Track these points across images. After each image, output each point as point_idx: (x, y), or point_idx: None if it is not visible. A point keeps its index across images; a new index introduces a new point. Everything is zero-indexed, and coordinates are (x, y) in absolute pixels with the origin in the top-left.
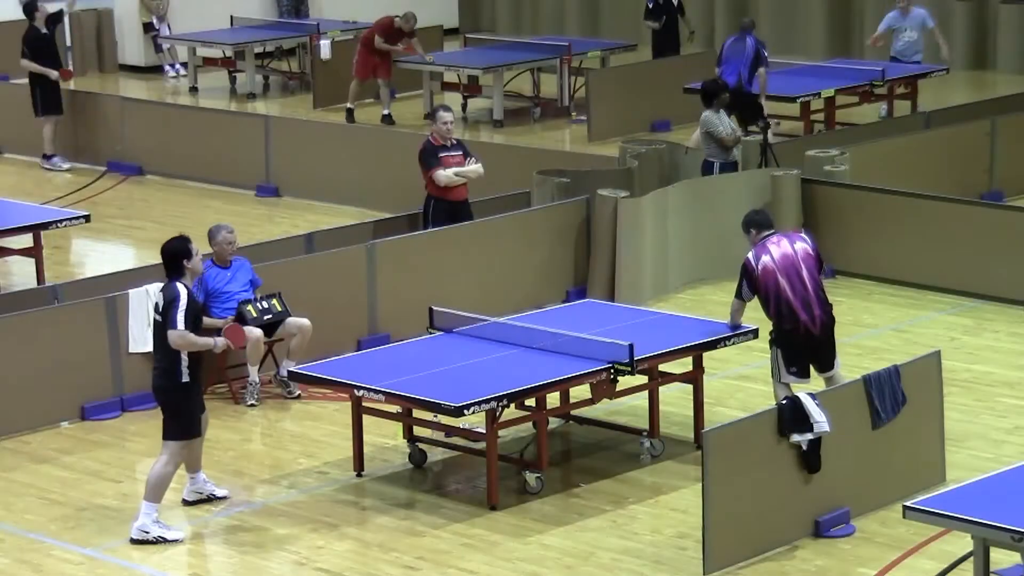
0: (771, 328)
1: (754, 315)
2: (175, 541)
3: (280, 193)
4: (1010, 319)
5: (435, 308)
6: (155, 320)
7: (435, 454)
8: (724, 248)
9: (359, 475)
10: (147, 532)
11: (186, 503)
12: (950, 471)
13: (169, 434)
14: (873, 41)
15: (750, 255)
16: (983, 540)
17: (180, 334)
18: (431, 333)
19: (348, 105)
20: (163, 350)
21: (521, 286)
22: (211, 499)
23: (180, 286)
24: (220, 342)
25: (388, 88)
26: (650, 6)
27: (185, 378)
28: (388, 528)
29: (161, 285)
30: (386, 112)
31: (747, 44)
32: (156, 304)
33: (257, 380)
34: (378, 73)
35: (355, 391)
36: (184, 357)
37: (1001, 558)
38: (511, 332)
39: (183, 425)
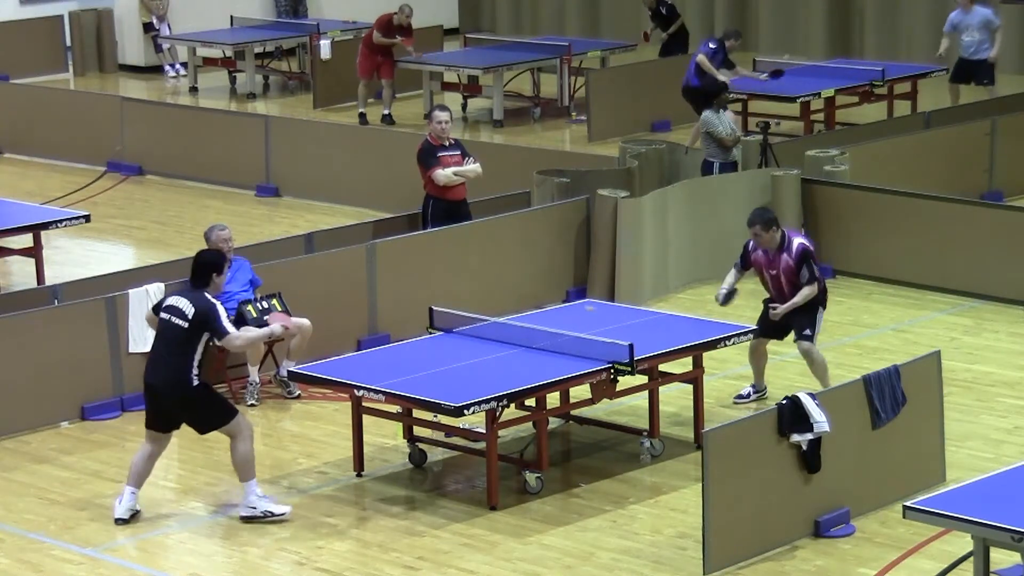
0: (818, 296)
1: (754, 315)
2: (282, 514)
3: (280, 193)
4: (1010, 319)
5: (435, 308)
6: (171, 324)
7: (435, 454)
8: (724, 248)
9: (359, 475)
10: (254, 507)
11: (121, 521)
12: (950, 471)
13: (215, 424)
14: (940, 54)
15: (803, 240)
16: (983, 540)
17: (235, 335)
18: (431, 333)
19: (360, 110)
20: (174, 357)
21: (521, 286)
22: (137, 513)
23: (211, 297)
24: (277, 329)
25: (391, 88)
26: (663, 11)
27: (196, 383)
28: (388, 528)
29: (164, 286)
30: (386, 112)
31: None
32: (174, 307)
33: (257, 380)
34: (381, 72)
35: (355, 391)
36: (194, 367)
37: (1001, 558)
38: (511, 332)
39: (222, 411)
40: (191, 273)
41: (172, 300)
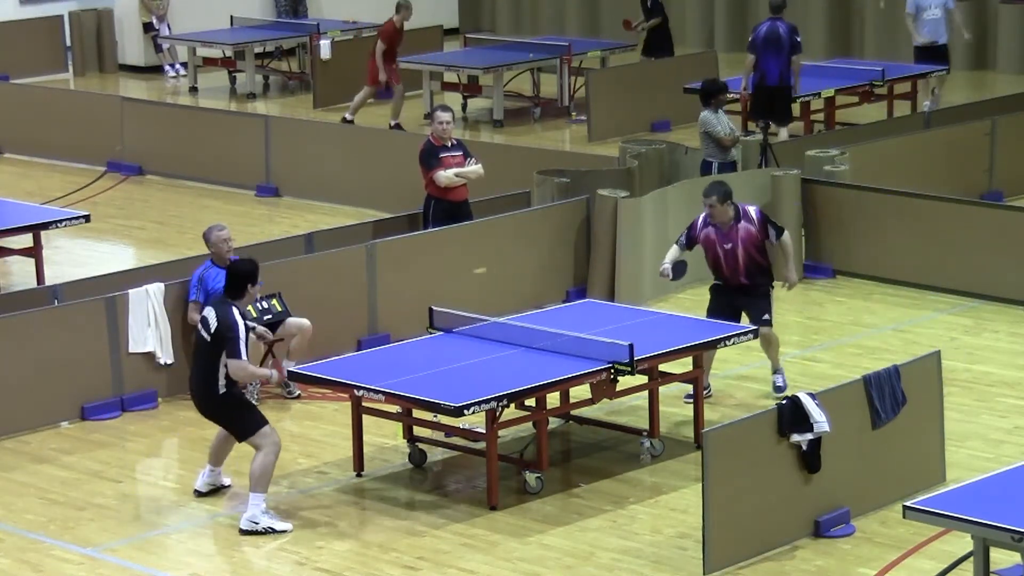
0: (770, 278)
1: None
2: (283, 532)
3: (280, 193)
4: (1010, 319)
5: (435, 308)
6: (200, 335)
7: (435, 454)
8: None
9: (359, 475)
10: (256, 522)
11: (199, 494)
12: (950, 471)
13: (245, 435)
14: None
15: (755, 206)
16: (983, 540)
17: (241, 366)
18: (431, 333)
19: (349, 116)
20: (201, 367)
21: (521, 286)
22: (220, 488)
23: (237, 313)
24: (275, 375)
25: (402, 96)
26: (648, 4)
27: (222, 390)
28: (388, 528)
29: (164, 286)
30: (394, 122)
31: (780, 32)
32: (204, 319)
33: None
34: (392, 79)
35: (355, 391)
36: (220, 376)
37: (1001, 558)
38: (511, 332)
39: (248, 421)
40: (225, 284)
41: (206, 312)
